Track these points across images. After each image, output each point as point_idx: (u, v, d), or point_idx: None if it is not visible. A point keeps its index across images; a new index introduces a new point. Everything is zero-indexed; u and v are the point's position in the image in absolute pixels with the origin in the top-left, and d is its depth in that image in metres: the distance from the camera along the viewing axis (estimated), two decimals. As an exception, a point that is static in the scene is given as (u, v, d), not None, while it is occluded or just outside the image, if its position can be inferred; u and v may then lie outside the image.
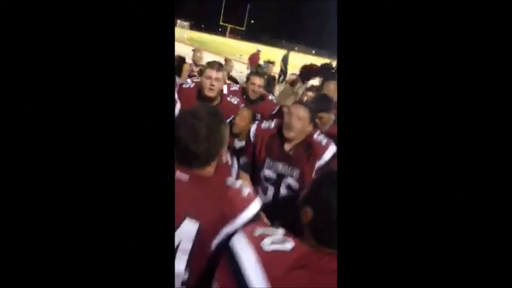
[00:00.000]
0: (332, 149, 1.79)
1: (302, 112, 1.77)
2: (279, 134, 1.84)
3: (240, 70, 9.42)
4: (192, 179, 0.95)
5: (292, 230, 0.84)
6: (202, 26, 48.85)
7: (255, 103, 2.68)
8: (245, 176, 1.69)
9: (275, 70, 9.85)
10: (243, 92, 2.78)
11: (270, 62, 8.02)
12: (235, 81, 4.16)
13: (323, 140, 1.84)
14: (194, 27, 43.66)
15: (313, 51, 36.46)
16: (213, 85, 2.19)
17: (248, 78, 2.77)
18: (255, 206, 1.00)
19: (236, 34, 47.05)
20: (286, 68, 12.45)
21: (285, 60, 12.67)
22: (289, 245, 0.78)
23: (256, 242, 0.77)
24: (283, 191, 1.84)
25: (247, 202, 0.98)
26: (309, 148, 1.81)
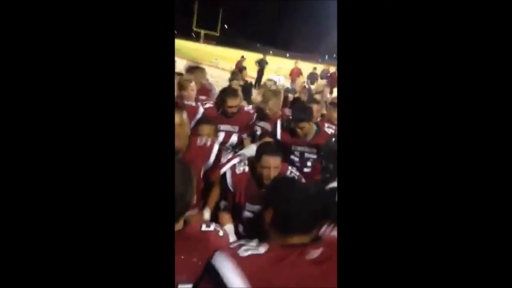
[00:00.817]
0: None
1: (276, 162, 1.81)
2: (254, 177, 1.89)
3: (216, 75, 9.30)
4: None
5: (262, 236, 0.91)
6: (175, 32, 48.24)
7: (231, 117, 2.65)
8: (226, 216, 1.67)
9: (251, 74, 9.83)
10: (218, 107, 2.70)
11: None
12: (208, 90, 4.03)
13: (295, 175, 1.98)
14: (167, 33, 42.91)
15: (287, 54, 36.77)
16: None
17: (223, 99, 2.64)
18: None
19: (210, 40, 46.81)
20: (262, 73, 12.46)
21: (261, 64, 12.69)
22: (262, 249, 0.85)
23: (233, 251, 0.85)
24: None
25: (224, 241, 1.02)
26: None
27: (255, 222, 1.85)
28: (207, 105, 2.71)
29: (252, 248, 0.85)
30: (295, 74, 11.97)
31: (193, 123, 2.32)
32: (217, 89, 3.58)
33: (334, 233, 1.05)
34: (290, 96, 3.79)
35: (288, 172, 2.00)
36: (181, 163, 0.95)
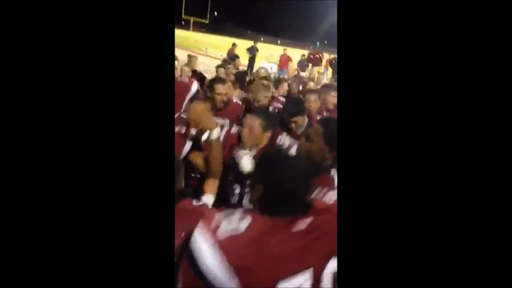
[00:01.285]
0: (293, 150, 1.83)
1: (255, 122, 1.83)
2: (240, 141, 1.92)
3: (207, 64, 9.20)
4: None
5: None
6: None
7: (220, 109, 2.60)
8: (212, 182, 1.66)
9: (243, 62, 9.73)
10: (206, 95, 2.65)
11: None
12: (202, 77, 4.03)
13: (285, 142, 1.92)
14: (156, 21, 42.14)
15: (279, 41, 36.44)
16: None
17: (212, 87, 2.56)
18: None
19: (200, 27, 46.08)
20: (253, 60, 12.32)
21: (252, 51, 12.54)
22: (243, 224, 0.82)
23: (212, 233, 0.81)
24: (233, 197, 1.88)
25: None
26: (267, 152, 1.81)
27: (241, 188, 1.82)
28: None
29: (232, 227, 0.82)
30: (284, 61, 11.77)
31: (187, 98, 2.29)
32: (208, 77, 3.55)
33: (327, 198, 1.04)
34: (283, 87, 3.73)
35: (278, 140, 1.95)
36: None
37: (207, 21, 46.97)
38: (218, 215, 0.86)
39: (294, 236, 0.81)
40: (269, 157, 0.96)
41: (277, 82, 3.82)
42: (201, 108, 1.92)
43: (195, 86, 2.45)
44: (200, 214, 0.95)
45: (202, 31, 42.92)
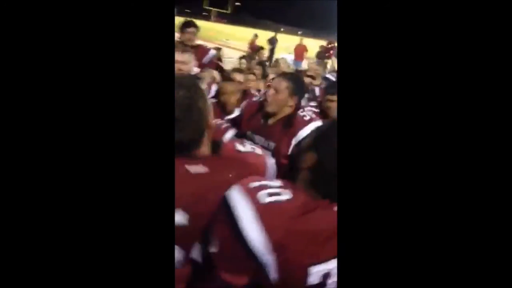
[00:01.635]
0: (313, 125, 1.69)
1: (282, 85, 1.73)
2: (262, 108, 1.83)
3: (230, 56, 9.48)
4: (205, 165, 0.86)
5: (289, 179, 0.83)
6: (187, 11, 47.88)
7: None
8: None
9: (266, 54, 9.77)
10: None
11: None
12: (221, 69, 4.18)
13: (307, 115, 1.78)
14: (178, 12, 42.75)
15: (299, 32, 36.20)
16: (180, 70, 2.02)
17: (229, 77, 2.58)
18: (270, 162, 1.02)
19: (221, 18, 46.26)
20: (273, 51, 12.42)
21: (272, 42, 12.64)
22: (285, 196, 0.77)
23: (252, 194, 0.75)
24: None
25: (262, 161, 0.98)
26: (289, 123, 1.75)
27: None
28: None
29: (274, 194, 0.76)
30: (299, 51, 11.50)
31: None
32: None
33: None
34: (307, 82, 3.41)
35: (300, 111, 1.82)
36: (187, 77, 0.87)
37: (228, 11, 47.09)
38: (254, 181, 0.79)
39: (333, 220, 0.75)
40: (327, 130, 0.85)
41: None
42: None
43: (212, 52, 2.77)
44: (249, 165, 0.91)
45: (223, 22, 43.09)
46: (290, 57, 10.16)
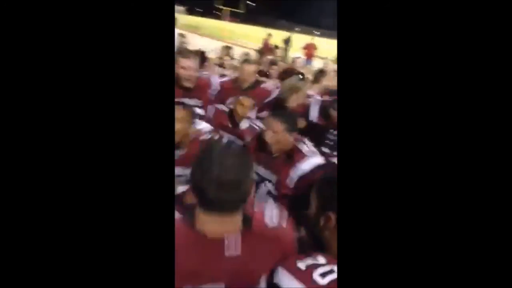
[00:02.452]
0: (312, 161, 1.75)
1: (276, 126, 1.76)
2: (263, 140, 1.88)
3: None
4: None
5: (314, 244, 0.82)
6: (198, 10, 47.77)
7: (247, 90, 2.66)
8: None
9: (280, 54, 9.40)
10: (234, 81, 2.79)
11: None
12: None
13: (307, 149, 1.82)
14: (191, 11, 42.69)
15: (317, 32, 35.45)
16: (189, 76, 2.22)
17: (241, 68, 2.78)
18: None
19: (235, 17, 45.89)
20: (287, 51, 11.87)
21: (287, 42, 12.11)
22: (335, 269, 0.72)
23: (305, 277, 0.71)
24: (262, 193, 1.84)
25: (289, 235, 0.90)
26: (291, 157, 1.80)
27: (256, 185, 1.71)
28: (224, 79, 2.86)
29: (327, 271, 0.71)
30: (309, 51, 11.13)
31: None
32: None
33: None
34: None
35: (300, 145, 1.85)
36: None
37: (243, 11, 46.66)
38: (299, 260, 0.74)
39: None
40: (325, 182, 0.85)
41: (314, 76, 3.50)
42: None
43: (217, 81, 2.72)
44: (279, 240, 0.84)
45: (237, 22, 42.70)
46: (301, 56, 9.71)
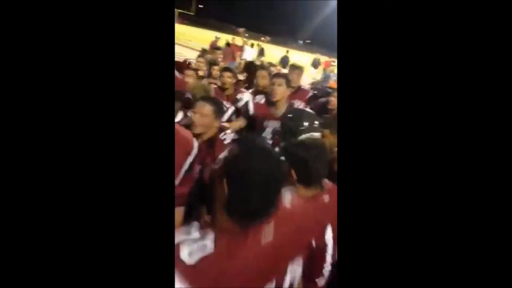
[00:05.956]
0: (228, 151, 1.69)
1: (206, 109, 1.80)
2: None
3: (189, 56, 9.44)
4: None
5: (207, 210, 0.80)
6: (148, 10, 46.58)
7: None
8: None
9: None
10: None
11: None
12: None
13: (227, 139, 1.86)
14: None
15: (262, 38, 36.64)
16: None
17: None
18: None
19: (185, 19, 45.60)
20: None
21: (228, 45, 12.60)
22: (209, 241, 0.70)
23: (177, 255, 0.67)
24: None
25: None
26: (211, 146, 1.83)
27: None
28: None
29: (197, 245, 0.70)
30: (229, 52, 10.70)
31: None
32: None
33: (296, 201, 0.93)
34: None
35: (222, 134, 1.91)
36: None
37: (193, 13, 46.53)
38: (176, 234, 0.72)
39: (263, 248, 0.75)
40: (238, 153, 0.80)
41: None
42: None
43: None
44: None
45: (186, 24, 42.57)
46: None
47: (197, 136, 1.78)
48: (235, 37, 13.38)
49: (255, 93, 2.74)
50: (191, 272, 0.66)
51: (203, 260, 0.68)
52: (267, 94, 2.52)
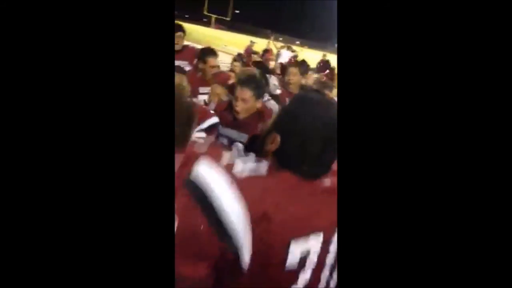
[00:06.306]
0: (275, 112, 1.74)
1: (247, 94, 1.90)
2: (231, 107, 2.01)
3: (225, 61, 9.62)
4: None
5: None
6: (186, 16, 48.31)
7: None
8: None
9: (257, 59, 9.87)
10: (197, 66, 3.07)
11: None
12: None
13: (270, 105, 2.00)
14: (178, 17, 43.11)
15: (297, 42, 36.60)
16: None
17: (203, 60, 2.91)
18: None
19: (221, 24, 46.65)
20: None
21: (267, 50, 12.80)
22: (263, 167, 0.71)
23: (226, 169, 0.68)
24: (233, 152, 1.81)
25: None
26: (261, 116, 1.95)
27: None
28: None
29: (251, 167, 0.70)
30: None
31: None
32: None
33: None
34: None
35: (266, 103, 2.02)
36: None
37: (228, 18, 47.48)
38: (226, 153, 0.73)
39: (314, 195, 0.73)
40: (291, 108, 0.80)
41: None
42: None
43: None
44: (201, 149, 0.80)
45: (223, 29, 43.48)
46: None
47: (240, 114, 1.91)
48: (271, 41, 13.55)
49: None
50: (240, 183, 0.66)
51: (254, 177, 0.69)
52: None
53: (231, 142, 1.94)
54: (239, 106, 1.91)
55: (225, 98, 2.35)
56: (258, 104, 1.96)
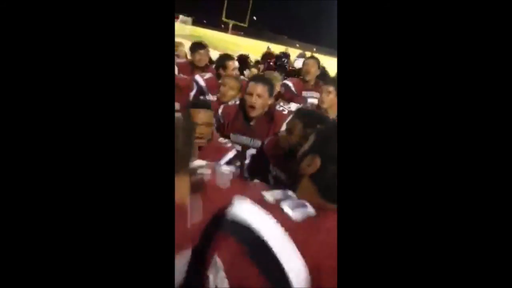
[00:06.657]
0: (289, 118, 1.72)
1: (261, 89, 1.89)
2: (242, 110, 1.97)
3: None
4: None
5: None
6: (204, 21, 49.09)
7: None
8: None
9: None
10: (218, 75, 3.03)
11: None
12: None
13: (284, 109, 1.98)
14: (196, 23, 43.84)
15: (314, 48, 36.57)
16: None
17: (222, 65, 2.91)
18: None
19: (238, 30, 47.15)
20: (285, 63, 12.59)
21: (286, 55, 12.87)
22: (311, 208, 0.64)
23: (276, 211, 0.61)
24: (247, 161, 1.91)
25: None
26: (271, 119, 1.94)
27: (239, 156, 1.82)
28: (207, 76, 2.78)
29: (299, 207, 0.63)
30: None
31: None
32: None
33: None
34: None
35: (277, 107, 2.02)
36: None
37: (245, 25, 47.93)
38: (265, 191, 0.67)
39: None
40: (325, 132, 0.77)
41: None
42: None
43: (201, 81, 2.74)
44: (242, 188, 0.76)
45: (240, 35, 43.94)
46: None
47: (255, 116, 1.90)
48: (288, 47, 13.56)
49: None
50: (295, 227, 0.58)
51: (308, 220, 0.61)
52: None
53: (244, 148, 1.93)
54: (257, 102, 1.88)
55: (236, 92, 2.30)
56: (270, 101, 1.95)
